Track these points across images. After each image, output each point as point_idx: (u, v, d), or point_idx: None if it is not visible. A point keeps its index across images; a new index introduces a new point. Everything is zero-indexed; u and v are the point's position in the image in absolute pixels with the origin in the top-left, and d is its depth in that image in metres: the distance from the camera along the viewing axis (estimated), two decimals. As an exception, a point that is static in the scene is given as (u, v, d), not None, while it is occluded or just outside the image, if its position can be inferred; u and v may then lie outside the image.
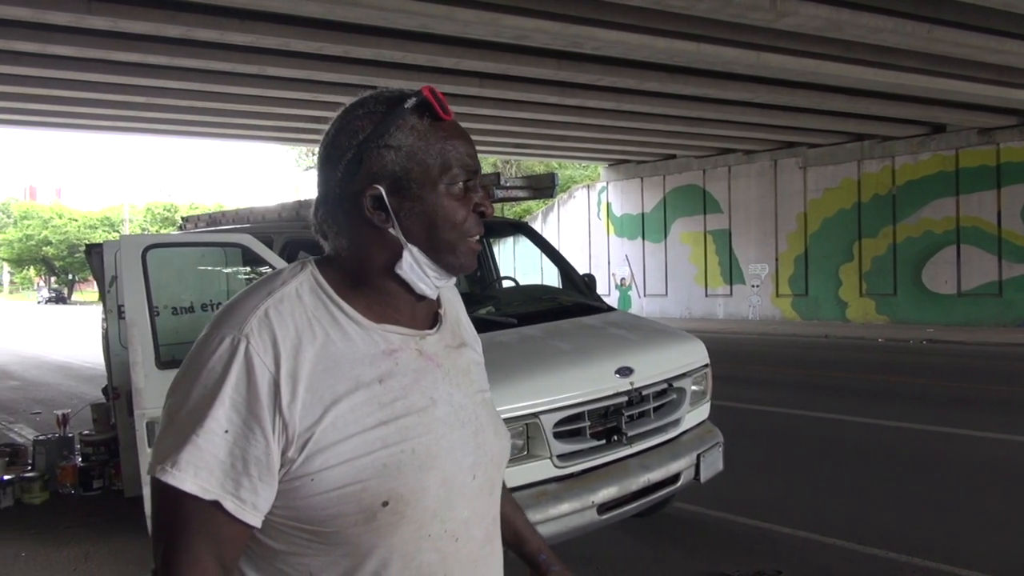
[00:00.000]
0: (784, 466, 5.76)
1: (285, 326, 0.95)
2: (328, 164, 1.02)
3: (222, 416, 0.91)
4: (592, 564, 3.93)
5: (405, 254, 1.01)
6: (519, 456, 3.14)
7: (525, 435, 3.16)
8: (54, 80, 11.08)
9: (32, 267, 54.97)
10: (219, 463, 0.91)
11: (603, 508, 3.29)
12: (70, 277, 51.35)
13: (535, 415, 3.16)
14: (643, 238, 21.39)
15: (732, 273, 19.55)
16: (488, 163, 27.33)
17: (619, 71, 11.13)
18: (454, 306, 1.18)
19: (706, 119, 14.82)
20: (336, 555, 0.97)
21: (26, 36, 9.02)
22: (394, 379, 0.99)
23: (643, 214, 21.32)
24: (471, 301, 4.16)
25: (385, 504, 0.95)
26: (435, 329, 1.09)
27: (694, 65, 10.86)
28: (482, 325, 3.51)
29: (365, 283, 1.02)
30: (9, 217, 55.02)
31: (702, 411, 3.99)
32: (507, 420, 3.11)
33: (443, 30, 9.00)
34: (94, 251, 5.05)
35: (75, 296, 51.34)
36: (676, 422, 3.73)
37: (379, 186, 0.99)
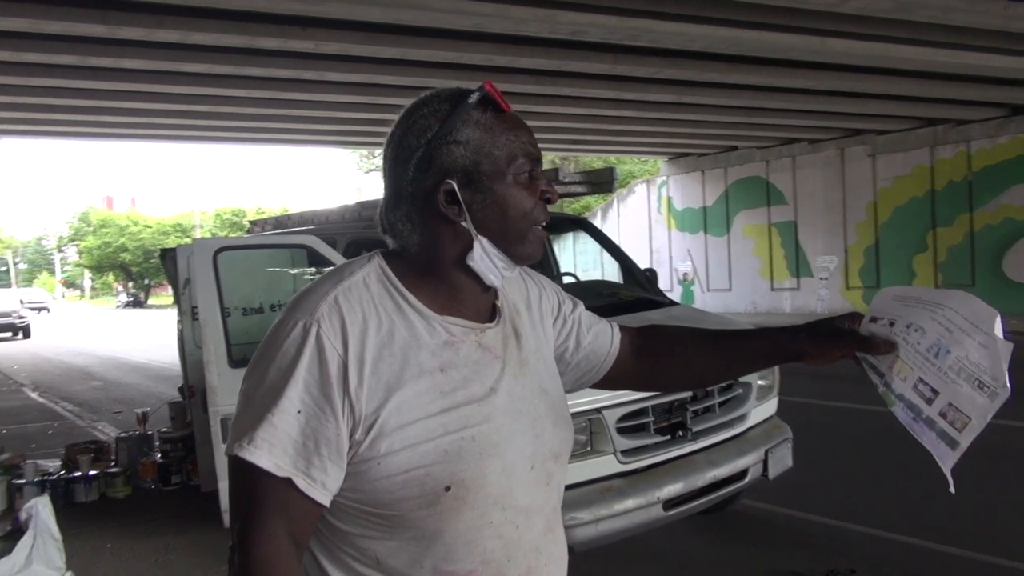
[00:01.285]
0: (856, 463, 5.60)
1: (353, 312, 0.99)
2: (398, 164, 1.05)
3: (295, 396, 0.95)
4: (659, 561, 3.90)
5: (476, 245, 1.04)
6: (583, 452, 3.13)
7: (588, 430, 3.15)
8: (127, 93, 11.50)
9: (111, 273, 57.29)
10: (292, 441, 0.95)
11: (669, 504, 3.26)
12: (146, 282, 53.33)
13: (598, 410, 3.15)
14: (705, 232, 21.05)
15: (799, 266, 19.08)
16: (546, 160, 27.29)
17: (678, 63, 10.96)
18: (513, 292, 1.19)
19: (769, 109, 14.47)
20: (402, 540, 1.00)
21: (101, 52, 9.39)
22: (455, 369, 1.03)
23: (705, 207, 20.98)
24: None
25: (447, 489, 0.98)
26: (495, 322, 1.11)
27: (755, 54, 10.62)
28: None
29: (432, 276, 1.06)
30: (89, 226, 57.46)
31: (769, 406, 3.91)
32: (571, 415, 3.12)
33: (497, 28, 9.02)
34: (168, 255, 5.24)
35: (151, 300, 53.32)
36: (742, 417, 3.67)
37: (451, 180, 1.02)
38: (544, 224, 1.08)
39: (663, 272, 21.66)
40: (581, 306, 1.31)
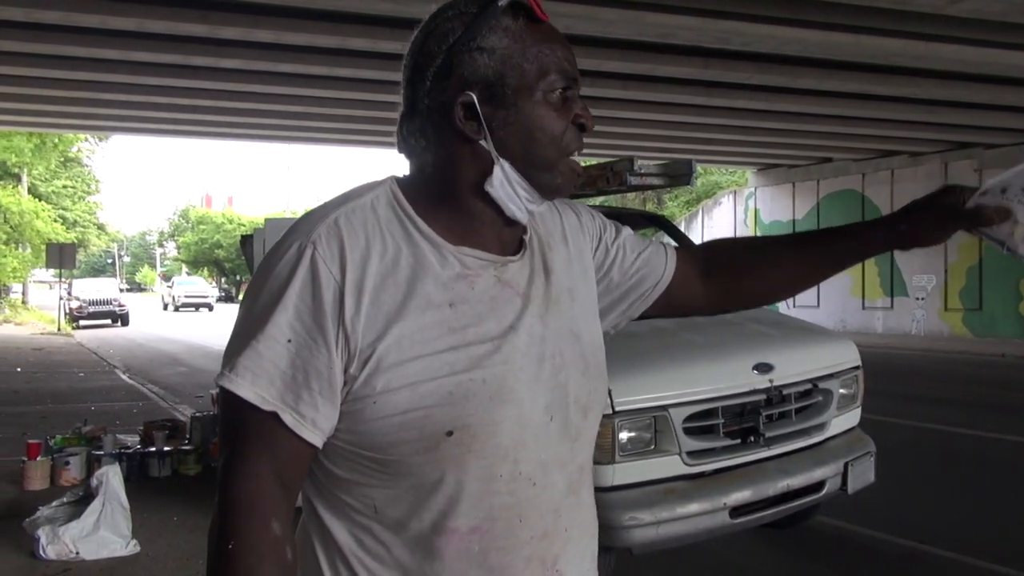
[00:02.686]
0: (940, 484, 5.25)
1: (355, 235, 0.90)
2: (416, 72, 0.95)
3: (284, 323, 0.86)
4: (725, 571, 3.72)
5: (496, 170, 0.93)
6: (646, 450, 3.00)
7: (653, 428, 3.01)
8: (224, 92, 11.94)
9: (206, 268, 59.83)
10: (280, 373, 0.86)
11: (736, 511, 3.08)
12: (237, 278, 55.50)
13: (663, 408, 3.01)
14: (794, 246, 20.37)
15: (893, 285, 18.21)
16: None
17: (770, 68, 10.62)
18: (547, 227, 1.07)
19: (866, 118, 13.84)
20: (400, 488, 0.91)
21: (202, 51, 9.78)
22: (467, 304, 0.92)
23: (794, 221, 20.29)
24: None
25: (450, 434, 0.88)
26: (520, 255, 0.99)
27: (853, 59, 10.18)
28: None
29: (449, 202, 0.95)
30: (188, 222, 60.29)
31: (852, 417, 3.68)
32: (633, 412, 2.99)
33: (584, 30, 8.93)
34: (247, 240, 5.36)
35: (241, 295, 55.45)
36: (821, 426, 3.45)
37: (471, 93, 0.91)
38: (578, 153, 0.95)
39: (748, 286, 21.07)
40: (626, 230, 1.18)
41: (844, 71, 10.75)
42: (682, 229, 23.53)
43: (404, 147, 0.98)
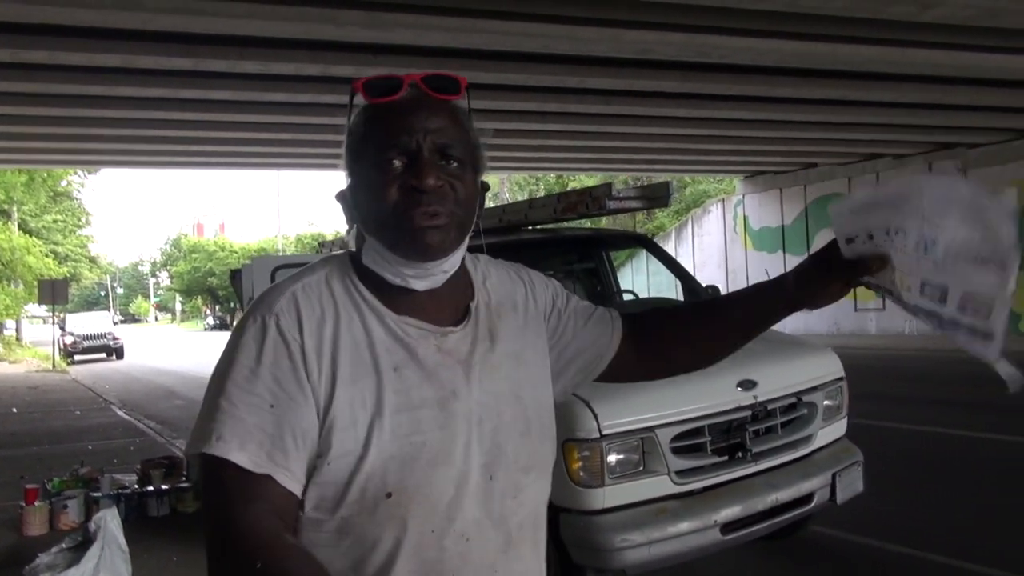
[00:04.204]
0: (936, 489, 5.28)
1: (310, 306, 0.98)
2: None
3: (264, 390, 0.93)
4: (720, 588, 3.75)
5: (365, 246, 1.02)
6: (634, 471, 3.05)
7: (640, 450, 3.06)
8: (213, 123, 12.01)
9: (199, 296, 59.79)
10: (267, 436, 0.91)
11: (727, 528, 3.13)
12: (231, 305, 55.43)
13: (650, 429, 3.06)
14: (784, 251, 20.46)
15: (884, 286, 18.30)
16: (619, 180, 27.17)
17: (748, 79, 10.73)
18: (499, 293, 1.13)
19: (848, 123, 13.98)
20: (342, 546, 0.96)
21: (189, 84, 9.84)
22: (409, 370, 0.99)
23: (783, 226, 20.43)
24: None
25: (389, 496, 0.94)
26: (461, 325, 1.05)
27: (829, 67, 10.29)
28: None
29: (381, 276, 1.03)
30: (180, 251, 60.25)
31: (838, 428, 3.73)
32: (620, 434, 3.04)
33: (564, 49, 9.03)
34: (236, 275, 5.41)
35: (235, 322, 55.29)
36: (807, 439, 3.51)
37: (343, 188, 1.05)
38: (424, 212, 0.96)
39: (740, 293, 21.15)
40: (576, 298, 1.24)
41: (822, 78, 10.87)
42: (672, 239, 23.70)
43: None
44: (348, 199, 1.05)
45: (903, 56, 9.46)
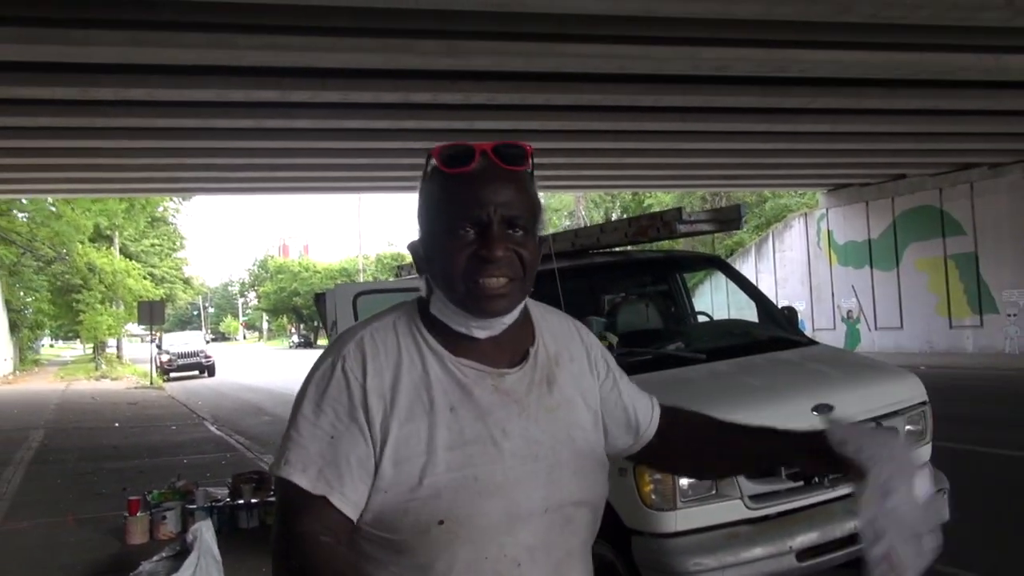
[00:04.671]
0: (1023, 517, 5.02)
1: (376, 350, 1.10)
2: None
3: (327, 423, 1.06)
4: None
5: (432, 298, 1.13)
6: (707, 495, 3.04)
7: (713, 474, 3.05)
8: (297, 150, 12.51)
9: (285, 316, 61.77)
10: (326, 463, 1.04)
11: (803, 554, 3.08)
12: (315, 324, 57.04)
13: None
14: (871, 266, 19.75)
15: (982, 301, 17.43)
16: (696, 196, 26.79)
17: (833, 91, 10.48)
18: (559, 342, 1.22)
19: (940, 133, 13.45)
20: (400, 566, 1.06)
21: (274, 114, 10.32)
22: (464, 409, 1.08)
23: (869, 240, 19.72)
24: (659, 337, 4.13)
25: (440, 523, 1.03)
26: (518, 368, 1.14)
27: (919, 76, 9.96)
28: (669, 361, 3.48)
29: (445, 322, 1.13)
30: (267, 272, 62.52)
31: (922, 453, 3.61)
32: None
33: (640, 69, 9.06)
34: (320, 299, 5.64)
35: (320, 341, 56.93)
36: (889, 464, 3.41)
37: (416, 240, 1.15)
38: (492, 280, 1.07)
39: (825, 309, 20.51)
40: (627, 379, 1.31)
41: (912, 89, 10.50)
42: (752, 255, 23.17)
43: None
44: (419, 251, 1.16)
45: (996, 63, 9.08)
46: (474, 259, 1.07)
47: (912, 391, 3.60)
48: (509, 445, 1.08)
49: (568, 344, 1.23)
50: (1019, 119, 12.44)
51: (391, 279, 10.30)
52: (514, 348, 1.16)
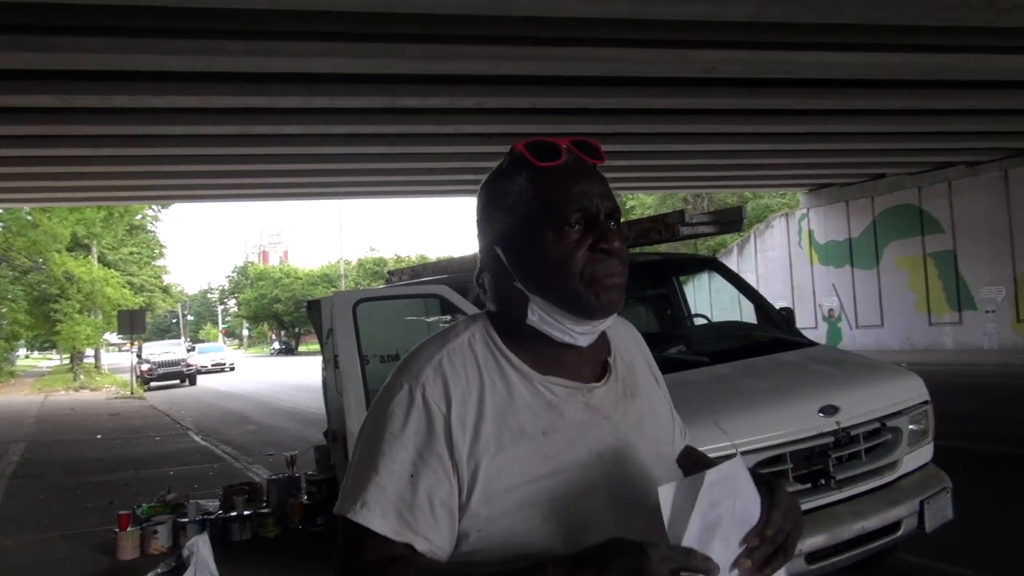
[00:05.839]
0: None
1: (456, 374, 1.00)
2: (478, 232, 1.10)
3: (406, 459, 0.96)
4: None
5: (530, 306, 1.02)
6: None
7: (722, 477, 3.04)
8: (285, 156, 12.39)
9: (265, 323, 61.29)
10: (406, 505, 0.95)
11: (812, 557, 3.08)
12: (296, 330, 56.70)
13: (728, 458, 3.04)
14: (851, 265, 19.93)
15: (960, 298, 17.64)
16: (678, 198, 26.91)
17: (818, 92, 10.54)
18: (629, 349, 1.16)
19: (920, 133, 13.58)
20: None
21: (262, 120, 10.22)
22: (558, 432, 1.00)
23: (850, 239, 19.91)
24: (659, 340, 4.12)
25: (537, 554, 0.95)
26: (604, 381, 1.08)
27: (904, 77, 10.06)
28: (671, 364, 3.47)
29: (529, 336, 1.04)
30: (247, 279, 62.03)
31: (924, 453, 3.63)
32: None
33: (629, 72, 9.07)
34: (313, 306, 5.58)
35: (301, 347, 56.54)
36: (893, 465, 3.42)
37: (496, 247, 1.05)
38: (612, 276, 1.00)
39: (806, 308, 20.66)
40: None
41: (895, 88, 10.59)
42: (735, 255, 23.30)
43: (480, 293, 1.11)
44: (499, 256, 1.05)
45: (980, 62, 9.18)
46: (591, 253, 1.00)
47: (914, 390, 3.62)
48: (605, 468, 1.01)
49: (633, 349, 1.18)
50: (997, 118, 12.62)
51: (382, 285, 10.24)
52: (594, 360, 1.08)
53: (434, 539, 0.96)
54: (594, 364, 1.09)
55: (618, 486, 1.01)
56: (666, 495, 0.89)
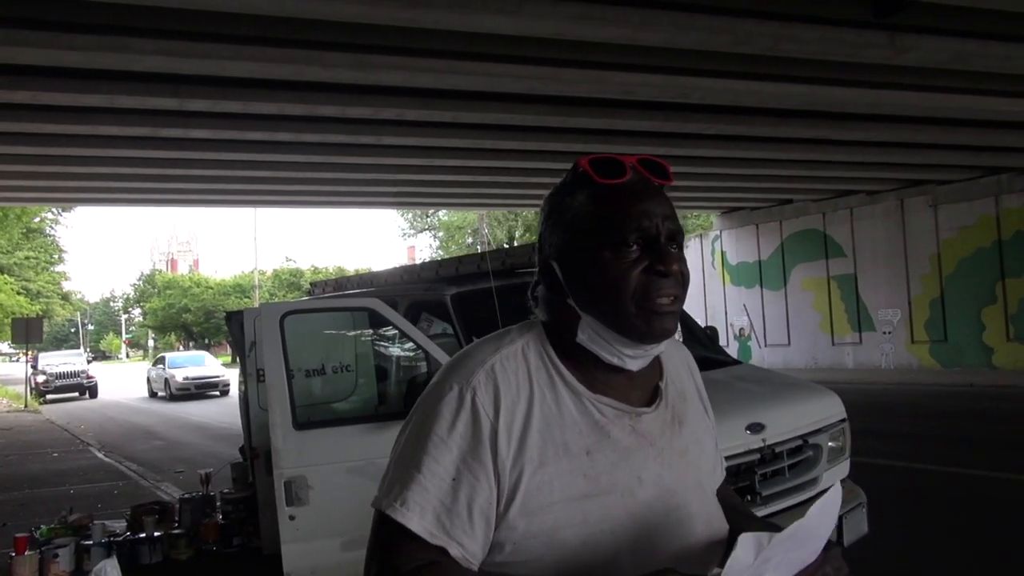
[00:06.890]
0: (938, 529, 5.31)
1: (508, 382, 0.98)
2: (537, 244, 1.07)
3: (450, 463, 0.95)
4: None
5: (581, 324, 1.00)
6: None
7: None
8: (194, 161, 11.98)
9: (173, 333, 58.88)
10: (445, 509, 0.93)
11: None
12: (206, 341, 54.64)
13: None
14: (761, 286, 20.71)
15: (860, 319, 18.57)
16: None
17: (728, 119, 10.97)
18: (681, 376, 1.13)
19: (823, 161, 14.31)
20: None
21: (171, 123, 9.84)
22: (602, 453, 0.98)
23: (760, 261, 20.70)
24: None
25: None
26: (654, 406, 1.05)
27: (807, 108, 10.58)
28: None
29: (576, 352, 1.02)
30: (154, 287, 59.51)
31: (841, 469, 3.75)
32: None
33: (549, 91, 9.18)
34: (234, 318, 5.34)
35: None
36: (813, 481, 3.52)
37: (552, 261, 1.02)
38: (664, 299, 0.98)
39: (719, 327, 21.26)
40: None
41: (799, 119, 11.14)
42: (651, 274, 23.76)
43: (533, 303, 1.08)
44: (556, 272, 1.02)
45: (877, 97, 9.74)
46: (647, 275, 0.97)
47: (833, 408, 3.74)
48: (644, 495, 0.99)
49: (683, 374, 1.15)
50: (894, 150, 13.41)
51: (302, 297, 9.91)
52: (646, 383, 1.06)
53: (468, 545, 0.94)
54: (645, 388, 1.06)
55: (656, 514, 0.99)
56: (746, 546, 0.85)
